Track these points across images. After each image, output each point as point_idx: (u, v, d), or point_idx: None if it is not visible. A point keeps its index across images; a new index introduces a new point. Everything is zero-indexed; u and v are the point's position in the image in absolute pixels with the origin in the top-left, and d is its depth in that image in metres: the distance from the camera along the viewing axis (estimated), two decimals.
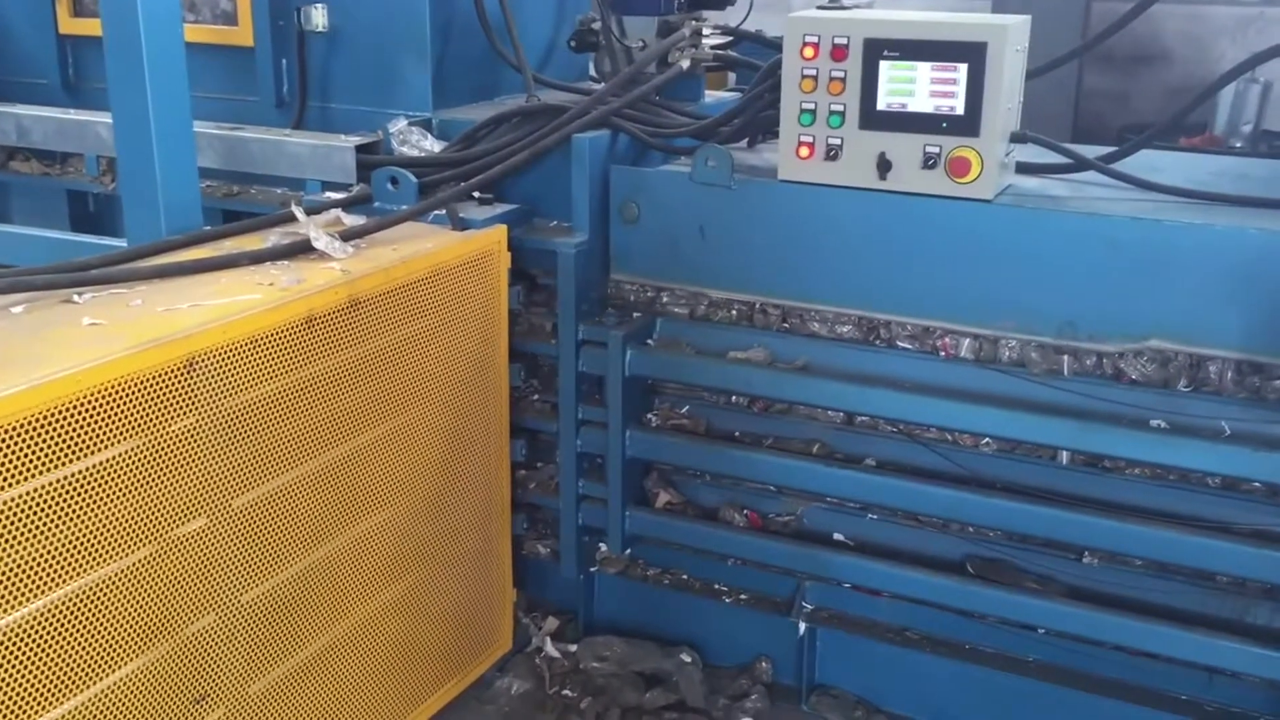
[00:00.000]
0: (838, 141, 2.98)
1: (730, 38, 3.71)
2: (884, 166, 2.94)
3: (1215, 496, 2.81)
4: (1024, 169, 3.12)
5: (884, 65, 2.90)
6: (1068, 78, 5.64)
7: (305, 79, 3.70)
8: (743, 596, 3.37)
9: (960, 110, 2.84)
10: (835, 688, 3.34)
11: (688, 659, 3.37)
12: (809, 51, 2.95)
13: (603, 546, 3.45)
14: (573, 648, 3.46)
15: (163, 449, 2.24)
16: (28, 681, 2.03)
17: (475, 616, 3.31)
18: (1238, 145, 5.55)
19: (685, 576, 3.44)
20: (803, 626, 3.26)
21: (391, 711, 3.02)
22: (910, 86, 2.89)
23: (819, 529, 3.24)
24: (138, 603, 2.25)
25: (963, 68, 2.82)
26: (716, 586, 3.40)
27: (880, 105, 2.92)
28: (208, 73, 3.67)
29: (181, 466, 2.29)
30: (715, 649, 3.44)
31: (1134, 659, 2.92)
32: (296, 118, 3.71)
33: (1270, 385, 2.70)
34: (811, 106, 2.99)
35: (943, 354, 3.00)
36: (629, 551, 3.43)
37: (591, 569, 3.50)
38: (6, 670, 1.99)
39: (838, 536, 3.21)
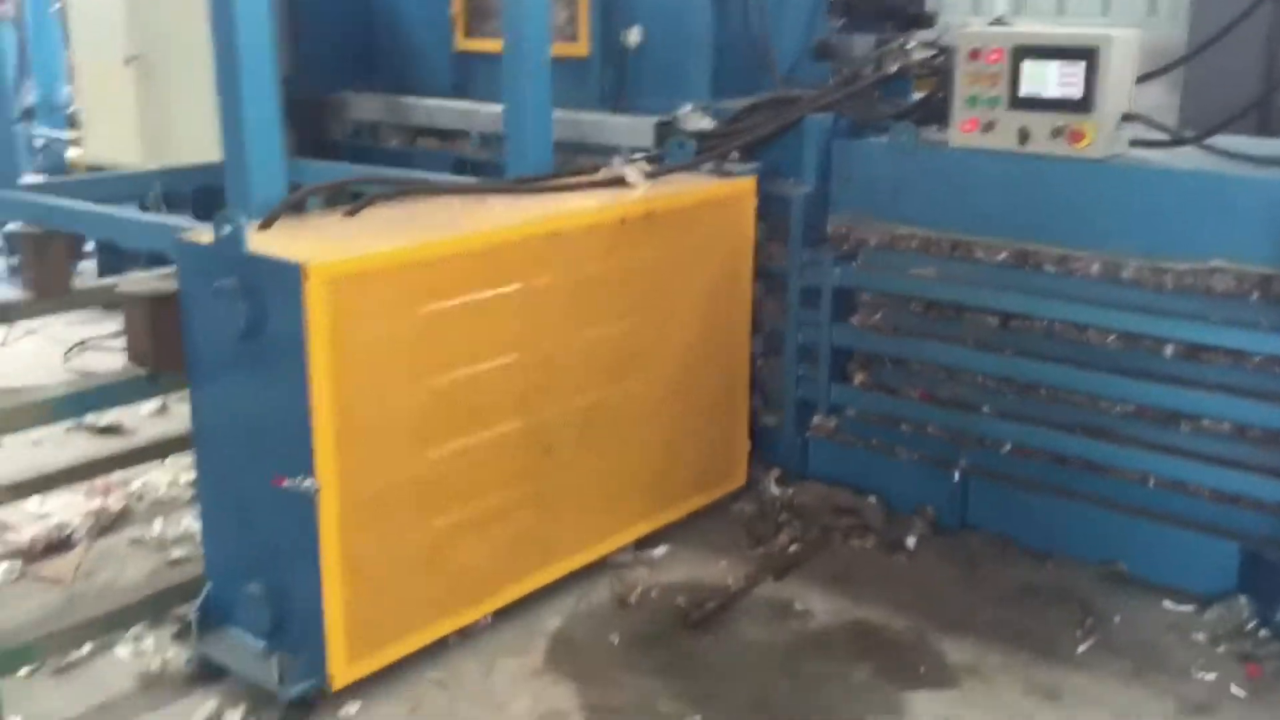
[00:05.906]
0: (992, 119, 4.18)
1: (934, 51, 4.93)
2: (1024, 136, 4.12)
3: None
4: (1141, 144, 4.20)
5: (1025, 64, 4.08)
6: (1255, 75, 6.39)
7: (624, 78, 5.21)
8: (915, 456, 4.56)
9: (1079, 95, 3.99)
10: (982, 528, 4.47)
11: (873, 500, 4.59)
12: (973, 56, 4.18)
13: (815, 419, 4.73)
14: (789, 490, 4.75)
15: (533, 292, 3.70)
16: (459, 416, 3.54)
17: (720, 457, 4.64)
18: None
19: (874, 441, 4.65)
20: (957, 477, 4.43)
21: (661, 504, 4.39)
22: (1044, 79, 4.06)
23: (973, 402, 4.40)
24: (513, 387, 3.71)
25: (1081, 64, 3.98)
26: (896, 449, 4.61)
27: (1022, 93, 4.10)
28: (557, 76, 5.19)
29: (543, 306, 3.75)
30: (894, 499, 4.62)
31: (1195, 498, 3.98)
32: (616, 105, 5.22)
33: None
34: (974, 94, 4.20)
35: (1077, 274, 4.12)
36: (834, 421, 4.69)
37: (807, 434, 4.79)
38: (449, 408, 3.50)
39: (986, 409, 4.37)
